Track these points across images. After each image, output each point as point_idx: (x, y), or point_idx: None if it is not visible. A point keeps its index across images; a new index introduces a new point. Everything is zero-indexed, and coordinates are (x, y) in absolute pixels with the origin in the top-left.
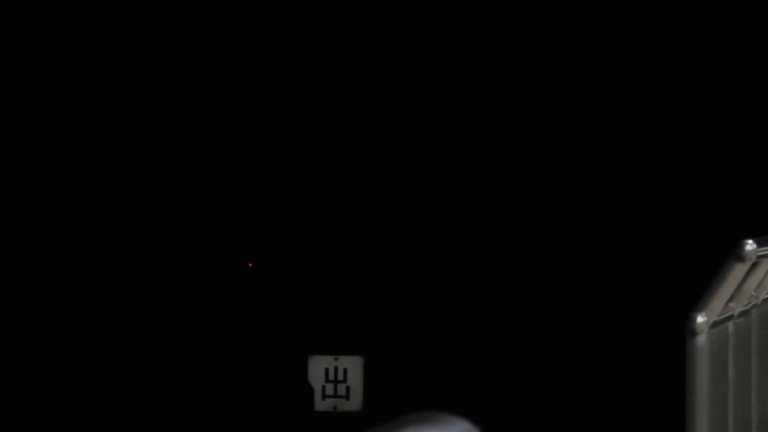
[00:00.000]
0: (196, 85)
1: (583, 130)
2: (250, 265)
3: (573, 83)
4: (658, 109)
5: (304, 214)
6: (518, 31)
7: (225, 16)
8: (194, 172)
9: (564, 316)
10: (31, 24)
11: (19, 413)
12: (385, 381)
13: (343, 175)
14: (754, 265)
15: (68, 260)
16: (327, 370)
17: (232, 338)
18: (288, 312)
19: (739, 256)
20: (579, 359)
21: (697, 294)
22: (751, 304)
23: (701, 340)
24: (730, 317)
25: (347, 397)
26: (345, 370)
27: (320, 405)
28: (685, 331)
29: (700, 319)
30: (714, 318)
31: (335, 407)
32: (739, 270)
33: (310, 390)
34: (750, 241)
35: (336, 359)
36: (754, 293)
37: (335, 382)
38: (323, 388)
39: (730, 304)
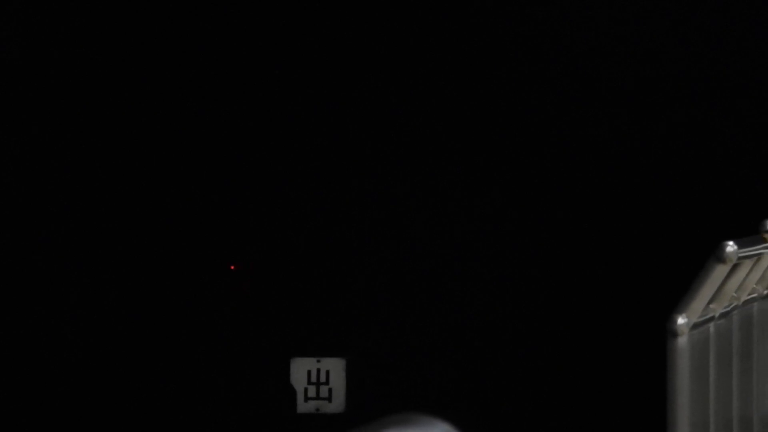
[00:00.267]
0: (196, 85)
1: (583, 130)
2: (233, 267)
3: (573, 83)
4: (658, 109)
5: (288, 217)
6: (518, 31)
7: (225, 16)
8: (193, 172)
9: (549, 317)
10: (31, 24)
11: (19, 413)
12: (368, 383)
13: (326, 176)
14: (735, 267)
15: (68, 260)
16: (309, 372)
17: (213, 340)
18: (270, 314)
19: (720, 257)
20: (561, 360)
21: (679, 295)
22: (732, 306)
23: (682, 341)
24: (711, 319)
25: (330, 399)
26: (327, 372)
27: (303, 407)
28: (665, 332)
29: (681, 320)
30: (695, 319)
31: (318, 409)
32: (720, 271)
33: (293, 392)
34: (731, 243)
35: (318, 361)
36: (735, 294)
37: (318, 384)
38: (306, 390)
39: (711, 306)
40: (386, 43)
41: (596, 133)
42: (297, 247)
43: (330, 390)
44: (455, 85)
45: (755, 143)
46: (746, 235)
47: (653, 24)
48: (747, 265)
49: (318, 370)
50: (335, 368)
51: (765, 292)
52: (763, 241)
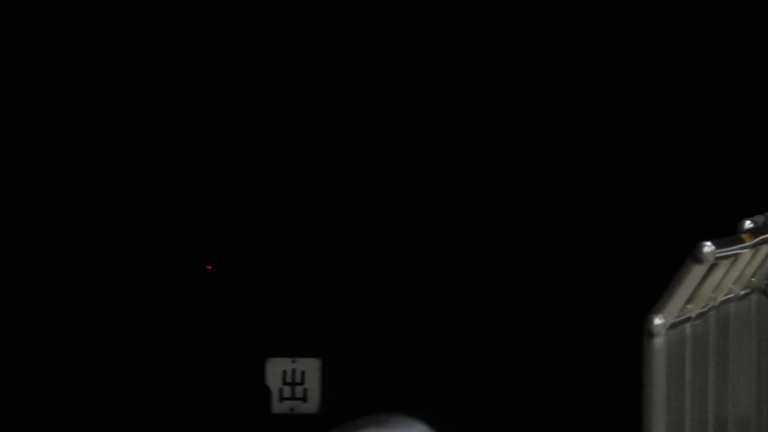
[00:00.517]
0: (196, 85)
1: (583, 130)
2: (209, 267)
3: (573, 83)
4: (658, 109)
5: (266, 217)
6: (518, 31)
7: (225, 16)
8: (192, 172)
9: (533, 318)
10: (31, 24)
11: (19, 413)
12: (343, 383)
13: (320, 176)
14: (712, 267)
15: (68, 260)
16: (284, 372)
17: (189, 340)
18: (246, 314)
19: (696, 257)
20: (537, 361)
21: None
22: (709, 306)
23: (659, 341)
24: (688, 319)
25: (305, 399)
26: (302, 373)
27: (278, 407)
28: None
29: (657, 321)
30: (672, 320)
31: (293, 409)
32: (697, 272)
33: (268, 392)
34: (708, 243)
35: (293, 362)
36: (712, 295)
37: (293, 384)
38: (281, 390)
39: (688, 306)
40: (386, 43)
41: (596, 133)
42: (273, 249)
43: (305, 390)
44: (455, 85)
45: (743, 143)
46: (726, 235)
47: (653, 24)
48: (724, 265)
49: (293, 371)
50: (310, 369)
51: (742, 292)
52: (741, 241)
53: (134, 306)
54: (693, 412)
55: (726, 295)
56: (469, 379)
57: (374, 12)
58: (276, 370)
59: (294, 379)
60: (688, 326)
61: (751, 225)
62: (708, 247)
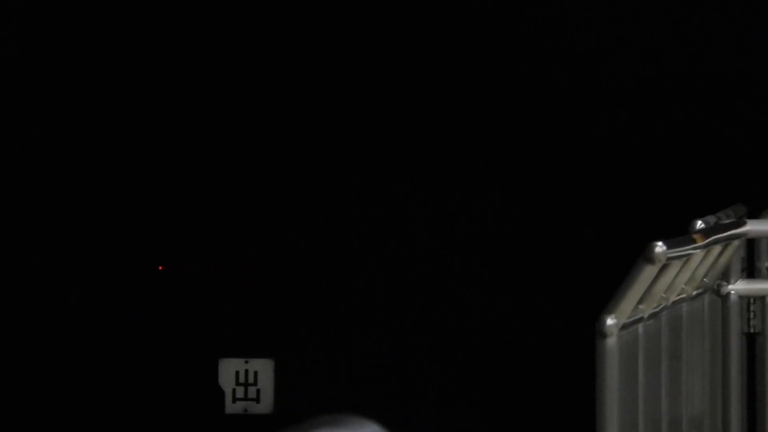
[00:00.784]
0: (196, 85)
1: (583, 130)
2: (161, 267)
3: (573, 83)
4: (658, 109)
5: (223, 218)
6: (518, 31)
7: (225, 16)
8: (191, 172)
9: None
10: (31, 24)
11: (19, 413)
12: (296, 384)
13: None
14: (664, 267)
15: (68, 260)
16: (237, 372)
17: (141, 340)
18: (198, 314)
19: (648, 257)
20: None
21: (606, 295)
22: (661, 306)
23: (611, 342)
24: (640, 319)
25: (258, 399)
26: (255, 373)
27: (231, 408)
28: (594, 333)
29: (609, 321)
30: (624, 320)
31: (246, 410)
32: (648, 272)
33: (221, 393)
34: (659, 243)
35: (246, 362)
36: (664, 295)
37: (246, 384)
38: (234, 390)
39: (640, 306)
40: (386, 43)
41: (596, 133)
42: (225, 249)
43: (258, 391)
44: (455, 85)
45: (743, 143)
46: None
47: (653, 24)
48: (676, 265)
49: (246, 371)
50: (263, 369)
51: (694, 293)
52: (692, 241)
53: (86, 307)
54: (646, 413)
55: (678, 295)
56: (427, 376)
57: (374, 12)
58: (229, 370)
59: (247, 379)
60: (640, 326)
61: (703, 225)
62: (660, 247)
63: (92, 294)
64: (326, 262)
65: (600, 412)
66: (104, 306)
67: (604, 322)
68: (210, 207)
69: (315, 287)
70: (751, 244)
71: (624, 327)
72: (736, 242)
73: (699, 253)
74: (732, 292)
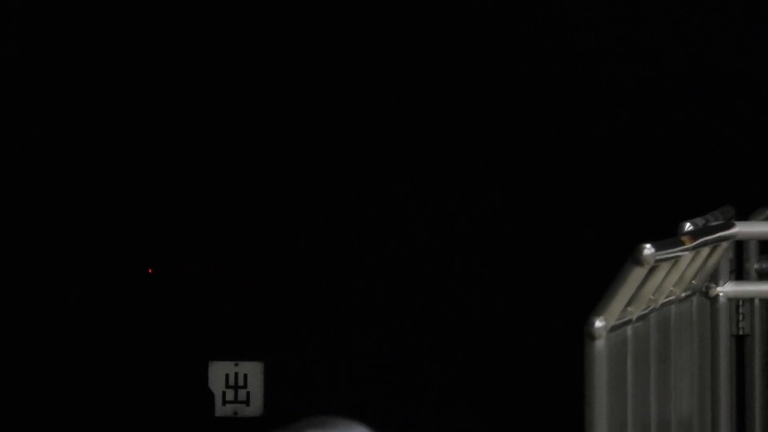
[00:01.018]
0: (196, 85)
1: (583, 130)
2: (150, 270)
3: (573, 83)
4: (658, 109)
5: (204, 217)
6: (518, 31)
7: (225, 16)
8: (191, 172)
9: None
10: (31, 24)
11: (5, 416)
12: (285, 386)
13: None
14: (652, 269)
15: (68, 260)
16: (227, 375)
17: (130, 343)
18: (188, 317)
19: (637, 260)
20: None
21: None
22: (650, 308)
23: (600, 344)
24: (629, 321)
25: (248, 402)
26: (245, 376)
27: (221, 410)
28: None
29: (598, 323)
30: (612, 322)
31: (236, 413)
32: (637, 274)
33: (210, 395)
34: (648, 245)
35: (236, 365)
36: (652, 297)
37: (235, 387)
38: (223, 393)
39: (629, 309)
40: (386, 43)
41: (596, 133)
42: (216, 251)
43: (248, 393)
44: (455, 85)
45: (743, 143)
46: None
47: (653, 24)
48: (665, 267)
49: (236, 374)
50: (253, 372)
51: (683, 295)
52: (681, 243)
53: (76, 308)
54: (635, 415)
55: (667, 297)
56: (421, 381)
57: (374, 12)
58: (219, 373)
59: (237, 382)
60: (629, 329)
61: (691, 227)
62: (648, 249)
63: (81, 296)
64: (319, 263)
65: (589, 414)
66: (92, 308)
67: (593, 325)
68: (203, 208)
69: (305, 289)
70: (740, 246)
71: (612, 329)
72: (724, 244)
73: (687, 255)
74: (721, 294)
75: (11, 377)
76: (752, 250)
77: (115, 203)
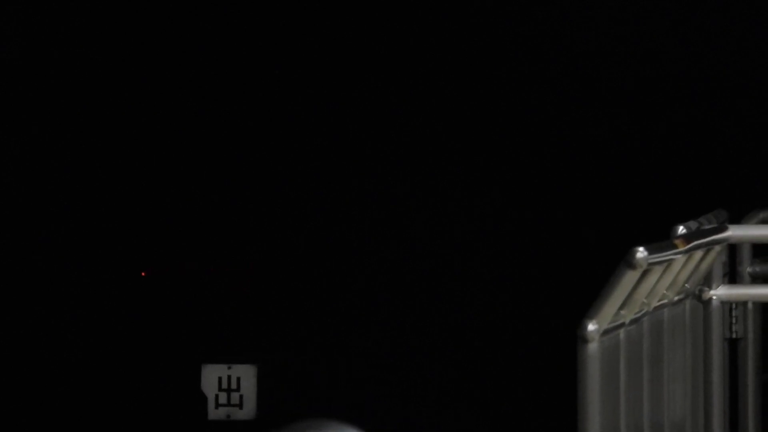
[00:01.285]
0: (196, 85)
1: (583, 130)
2: (144, 273)
3: (573, 83)
4: (658, 109)
5: (201, 219)
6: (518, 31)
7: (225, 16)
8: (191, 172)
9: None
10: (31, 24)
11: (13, 413)
12: (278, 389)
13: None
14: (645, 272)
15: (65, 261)
16: (220, 378)
17: (124, 346)
18: (181, 320)
19: (630, 263)
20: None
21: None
22: (643, 312)
23: (592, 347)
24: (622, 325)
25: (240, 405)
26: (238, 379)
27: (214, 414)
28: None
29: (591, 326)
30: (605, 325)
31: (228, 416)
32: (630, 277)
33: (204, 398)
34: (641, 249)
35: (229, 368)
36: (645, 300)
37: (228, 390)
38: (216, 396)
39: (622, 312)
40: (386, 43)
41: (596, 133)
42: (210, 254)
43: (241, 397)
44: (455, 85)
45: (743, 143)
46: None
47: (653, 24)
48: (657, 271)
49: (229, 377)
50: (246, 375)
51: (675, 298)
52: (674, 247)
53: (72, 311)
54: (628, 418)
55: (660, 300)
56: (417, 378)
57: (374, 12)
58: (212, 376)
59: (230, 385)
60: (622, 332)
61: (684, 231)
62: (641, 252)
63: (76, 299)
64: (315, 265)
65: (581, 417)
66: (87, 311)
67: (586, 328)
68: (200, 210)
69: (299, 292)
70: (733, 249)
71: (605, 332)
72: (717, 247)
73: (680, 259)
74: (714, 297)
75: (6, 377)
76: (745, 254)
77: (112, 204)
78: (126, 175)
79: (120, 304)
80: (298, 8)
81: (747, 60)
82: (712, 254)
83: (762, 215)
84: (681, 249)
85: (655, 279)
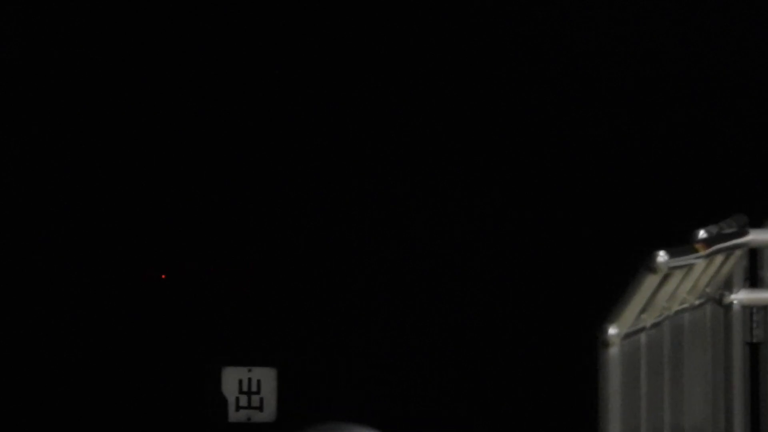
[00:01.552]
0: (196, 85)
1: (583, 130)
2: (164, 276)
3: (573, 83)
4: (658, 109)
5: (224, 223)
6: (518, 31)
7: (225, 16)
8: (191, 172)
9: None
10: (31, 24)
11: (9, 418)
12: (298, 392)
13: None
14: (666, 277)
15: (68, 260)
16: (240, 381)
17: (145, 348)
18: (201, 323)
19: (650, 267)
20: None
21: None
22: (663, 316)
23: (613, 351)
24: (642, 329)
25: (261, 408)
26: (258, 382)
27: (234, 416)
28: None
29: (612, 330)
30: (626, 330)
31: (249, 418)
32: (651, 281)
33: (224, 401)
34: (662, 253)
35: (249, 370)
36: (666, 305)
37: (249, 393)
38: (237, 399)
39: (642, 316)
40: (386, 43)
41: (596, 133)
42: (229, 257)
43: (261, 399)
44: (455, 85)
45: (743, 144)
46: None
47: (653, 24)
48: (678, 275)
49: (249, 380)
50: (266, 377)
51: (696, 302)
52: (695, 251)
53: (92, 314)
54: (649, 422)
55: (680, 304)
56: (432, 384)
57: (374, 12)
58: (232, 379)
59: (250, 387)
60: (642, 336)
61: (705, 235)
62: (662, 257)
63: (94, 301)
64: (329, 269)
65: (603, 421)
66: (105, 313)
67: (607, 332)
68: (211, 210)
69: (319, 294)
70: (754, 253)
71: (626, 336)
72: (738, 252)
73: (701, 263)
74: (735, 301)
75: (16, 379)
76: (766, 258)
77: (125, 206)
78: (126, 175)
79: (140, 307)
80: (298, 8)
81: (756, 64)
82: (733, 258)
83: None
84: (702, 253)
85: (676, 283)
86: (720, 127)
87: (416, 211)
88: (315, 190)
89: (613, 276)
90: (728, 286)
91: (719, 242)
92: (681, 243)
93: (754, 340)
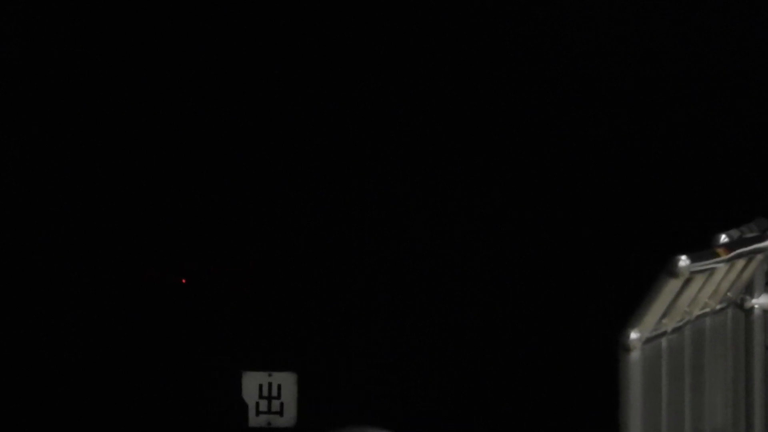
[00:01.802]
0: (196, 85)
1: (583, 130)
2: (184, 281)
3: (573, 83)
4: (658, 109)
5: (241, 226)
6: (518, 31)
7: (225, 16)
8: (192, 173)
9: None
10: (31, 24)
11: (19, 413)
12: (319, 397)
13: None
14: (687, 281)
15: (68, 260)
16: (261, 386)
17: (165, 353)
18: (222, 328)
19: (672, 272)
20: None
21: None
22: (684, 321)
23: (635, 356)
24: (664, 333)
25: (281, 413)
26: (279, 386)
27: (254, 421)
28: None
29: (633, 335)
30: (647, 334)
31: (269, 423)
32: (672, 286)
33: (244, 406)
34: (683, 257)
35: (270, 375)
36: (687, 309)
37: (269, 398)
38: (257, 404)
39: (664, 321)
40: (386, 43)
41: (596, 133)
42: (248, 259)
43: (281, 404)
44: (455, 85)
45: (743, 144)
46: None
47: (653, 24)
48: (700, 279)
49: (269, 384)
50: (286, 382)
51: (718, 307)
52: (716, 255)
53: (111, 319)
54: (669, 426)
55: (701, 309)
56: (449, 388)
57: (374, 12)
58: (252, 383)
59: (270, 392)
60: (663, 340)
61: (726, 239)
62: (683, 261)
63: (113, 306)
64: (352, 274)
65: (624, 425)
66: (125, 318)
67: (628, 336)
68: (228, 215)
69: (340, 300)
70: None
71: (647, 341)
72: (759, 256)
73: (723, 267)
74: (756, 306)
75: (26, 380)
76: None
77: (111, 204)
78: (125, 175)
79: (160, 313)
80: (298, 8)
81: (747, 60)
82: (754, 263)
83: None
84: (723, 258)
85: (697, 288)
86: (747, 136)
87: (416, 211)
88: (315, 190)
89: (613, 276)
90: (749, 290)
91: (741, 246)
92: (698, 247)
93: None
